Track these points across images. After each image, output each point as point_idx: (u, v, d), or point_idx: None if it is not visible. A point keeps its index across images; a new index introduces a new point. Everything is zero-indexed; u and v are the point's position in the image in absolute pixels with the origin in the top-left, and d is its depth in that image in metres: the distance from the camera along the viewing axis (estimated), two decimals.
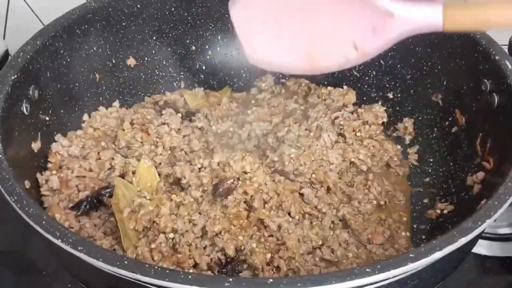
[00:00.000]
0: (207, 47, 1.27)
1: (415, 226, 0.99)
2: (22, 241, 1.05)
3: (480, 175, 0.92)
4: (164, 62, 1.25)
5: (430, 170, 1.07)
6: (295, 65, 0.86)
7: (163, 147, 1.06)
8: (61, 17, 1.04)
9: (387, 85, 1.19)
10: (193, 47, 1.26)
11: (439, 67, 1.08)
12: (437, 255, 0.64)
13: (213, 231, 0.88)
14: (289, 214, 0.94)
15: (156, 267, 0.62)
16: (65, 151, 1.02)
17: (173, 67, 1.26)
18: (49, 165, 0.99)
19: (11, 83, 0.88)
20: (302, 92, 1.25)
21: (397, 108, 1.18)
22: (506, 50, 1.09)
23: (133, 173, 0.97)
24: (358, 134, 1.11)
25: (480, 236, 0.82)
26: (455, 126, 1.04)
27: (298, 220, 0.94)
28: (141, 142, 1.06)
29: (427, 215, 1.00)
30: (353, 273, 0.61)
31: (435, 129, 1.09)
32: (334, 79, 1.25)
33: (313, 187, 1.00)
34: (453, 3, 0.74)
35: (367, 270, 0.61)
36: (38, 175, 0.95)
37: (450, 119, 1.06)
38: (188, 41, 1.25)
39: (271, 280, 0.61)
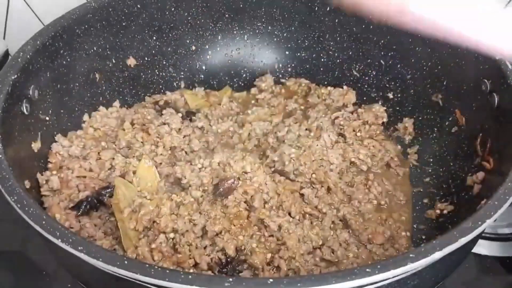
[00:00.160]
0: (207, 47, 1.28)
1: (415, 226, 0.99)
2: (22, 241, 1.05)
3: (480, 175, 0.92)
4: (164, 62, 1.24)
5: (430, 170, 1.07)
6: None
7: (164, 147, 1.06)
8: (61, 17, 1.04)
9: (387, 85, 1.19)
10: (193, 47, 1.26)
11: (439, 67, 1.08)
12: (437, 255, 0.64)
13: (214, 231, 0.88)
14: (289, 214, 0.94)
15: (156, 267, 0.62)
16: (65, 151, 1.02)
17: (173, 67, 1.26)
18: (50, 165, 0.99)
19: (11, 83, 0.88)
20: (302, 92, 1.25)
21: (397, 108, 1.18)
22: None
23: (134, 173, 0.97)
24: (358, 134, 1.11)
25: (480, 236, 0.82)
26: (455, 126, 1.04)
27: (299, 220, 0.94)
28: (141, 142, 1.06)
29: (427, 215, 1.00)
30: (353, 273, 0.61)
31: (435, 129, 1.09)
32: (334, 79, 1.25)
33: (313, 187, 1.00)
34: None
35: (367, 270, 0.61)
36: (38, 175, 0.95)
37: (450, 119, 1.06)
38: (188, 41, 1.25)
39: (271, 280, 0.61)
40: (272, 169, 1.03)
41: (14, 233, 1.06)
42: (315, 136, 1.09)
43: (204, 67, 1.29)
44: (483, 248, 1.04)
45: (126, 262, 0.63)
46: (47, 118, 1.00)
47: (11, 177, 0.76)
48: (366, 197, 1.01)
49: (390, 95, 1.19)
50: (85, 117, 1.11)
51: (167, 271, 0.62)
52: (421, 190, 1.05)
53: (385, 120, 1.15)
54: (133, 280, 0.63)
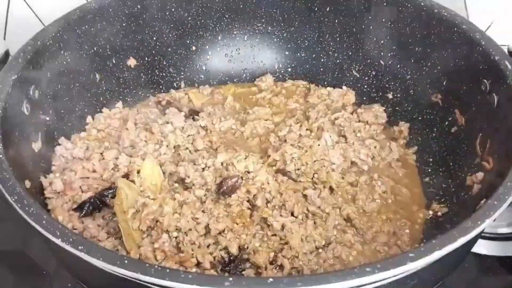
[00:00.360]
0: (207, 47, 1.28)
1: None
2: (22, 241, 1.05)
3: (480, 175, 0.92)
4: (165, 63, 1.25)
5: (430, 170, 1.07)
6: None
7: (167, 146, 1.05)
8: (61, 17, 1.04)
9: (387, 85, 1.19)
10: (193, 47, 1.26)
11: (439, 67, 1.08)
12: (437, 254, 0.64)
13: (217, 229, 0.88)
14: (292, 214, 0.94)
15: (156, 266, 0.62)
16: (69, 154, 1.02)
17: (174, 67, 1.26)
18: (53, 168, 0.99)
19: (11, 83, 0.89)
20: (301, 93, 1.25)
21: (397, 108, 1.18)
22: (506, 51, 1.09)
23: (138, 172, 0.97)
24: (359, 134, 1.12)
25: (480, 236, 0.82)
26: (455, 126, 1.04)
27: (302, 220, 0.94)
28: (145, 141, 1.06)
29: (427, 215, 1.00)
30: (353, 272, 0.61)
31: (435, 129, 1.09)
32: (334, 79, 1.25)
33: (315, 187, 1.00)
34: None
35: (367, 269, 0.61)
36: (42, 178, 0.95)
37: (450, 119, 1.06)
38: (188, 41, 1.25)
39: (271, 279, 0.61)
40: (275, 169, 1.03)
41: (14, 233, 1.06)
42: (316, 136, 1.09)
43: (204, 67, 1.29)
44: (483, 248, 1.04)
45: (126, 261, 0.63)
46: (48, 118, 1.00)
47: (11, 177, 0.76)
48: (370, 196, 1.01)
49: (390, 95, 1.19)
50: (89, 119, 1.11)
51: (167, 270, 0.62)
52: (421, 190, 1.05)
53: (385, 120, 1.15)
54: (134, 280, 0.63)
